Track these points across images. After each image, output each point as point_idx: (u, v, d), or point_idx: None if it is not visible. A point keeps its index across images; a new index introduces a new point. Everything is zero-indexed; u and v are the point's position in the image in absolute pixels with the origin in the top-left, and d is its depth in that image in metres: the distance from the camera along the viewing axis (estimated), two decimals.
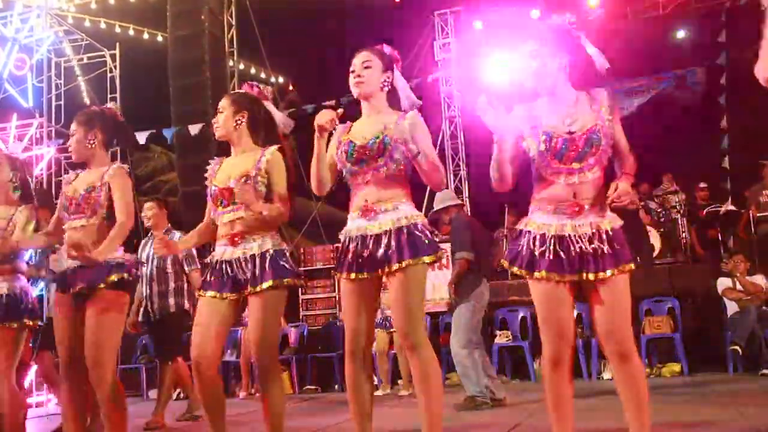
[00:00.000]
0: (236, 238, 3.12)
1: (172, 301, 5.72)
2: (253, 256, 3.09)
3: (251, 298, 3.10)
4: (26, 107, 11.11)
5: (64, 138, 10.60)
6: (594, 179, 2.64)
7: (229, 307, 3.14)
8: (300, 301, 10.47)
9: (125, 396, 3.37)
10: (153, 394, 9.32)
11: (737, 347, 6.97)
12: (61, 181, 3.75)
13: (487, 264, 5.93)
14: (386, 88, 3.08)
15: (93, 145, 3.50)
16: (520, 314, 8.36)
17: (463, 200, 12.13)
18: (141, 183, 15.40)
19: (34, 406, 8.24)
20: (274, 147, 3.21)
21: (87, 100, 12.65)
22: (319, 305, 10.28)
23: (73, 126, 3.54)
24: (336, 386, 8.73)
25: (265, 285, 3.05)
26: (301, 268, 10.49)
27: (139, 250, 5.84)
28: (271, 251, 3.11)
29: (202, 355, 3.07)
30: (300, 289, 10.48)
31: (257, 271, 3.07)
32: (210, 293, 3.13)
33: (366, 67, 3.04)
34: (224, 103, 3.28)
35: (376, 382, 8.28)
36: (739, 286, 7.40)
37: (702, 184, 10.68)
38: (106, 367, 3.25)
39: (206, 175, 3.30)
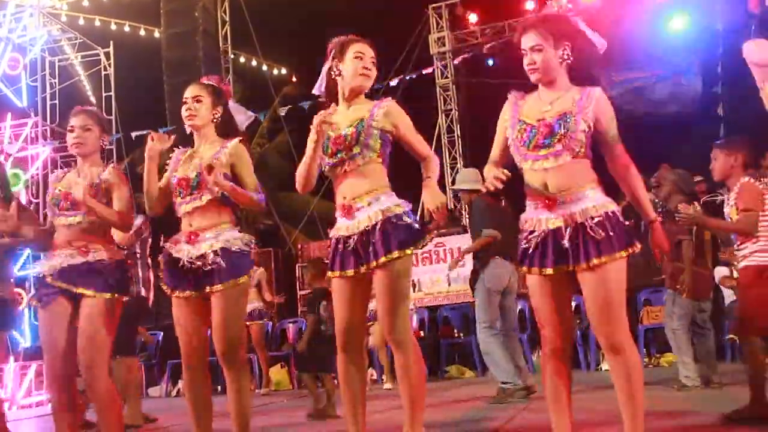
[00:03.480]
0: (192, 236, 3.19)
1: (134, 289, 5.29)
2: (207, 253, 3.15)
3: (213, 296, 3.15)
4: (20, 107, 11.06)
5: (59, 137, 10.57)
6: (564, 165, 2.57)
7: (202, 304, 3.20)
8: (298, 297, 10.48)
9: (119, 395, 3.36)
10: (152, 392, 9.35)
11: (734, 336, 6.96)
12: None
13: (504, 245, 5.66)
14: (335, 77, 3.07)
15: (103, 146, 3.55)
16: (518, 306, 8.36)
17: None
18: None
19: (34, 406, 8.25)
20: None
21: (93, 99, 12.58)
22: None
23: (87, 120, 3.49)
24: (335, 381, 8.73)
25: (219, 287, 3.12)
26: (299, 264, 10.54)
27: None
28: (226, 247, 3.17)
29: (191, 353, 3.18)
30: (298, 284, 10.51)
31: (214, 270, 3.13)
32: (177, 293, 3.21)
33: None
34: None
35: (375, 377, 8.29)
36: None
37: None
38: (101, 368, 3.24)
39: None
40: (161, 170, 3.31)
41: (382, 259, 2.84)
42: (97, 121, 3.51)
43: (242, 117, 3.46)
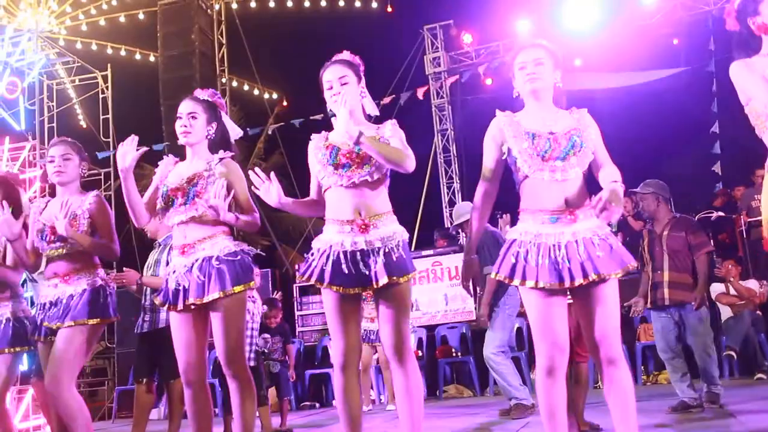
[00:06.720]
0: (186, 248, 3.20)
1: (163, 315, 5.14)
2: (199, 265, 3.16)
3: (211, 306, 3.15)
4: (18, 130, 11.11)
5: None
6: (577, 179, 2.67)
7: (200, 317, 3.22)
8: (295, 318, 10.46)
9: (88, 411, 3.44)
10: (151, 414, 9.27)
11: (732, 352, 6.98)
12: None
13: None
14: (364, 98, 3.12)
15: (83, 175, 3.70)
16: (516, 325, 8.35)
17: None
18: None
19: (31, 430, 8.20)
20: None
21: (83, 124, 12.67)
22: (315, 321, 10.26)
23: (67, 149, 3.65)
24: (333, 402, 8.70)
25: (216, 295, 3.10)
26: (296, 285, 10.51)
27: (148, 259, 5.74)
28: (223, 256, 3.17)
29: (189, 370, 3.21)
30: (295, 304, 10.48)
31: (205, 282, 3.12)
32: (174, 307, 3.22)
33: (344, 84, 3.04)
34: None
35: (373, 396, 8.25)
36: (732, 291, 7.42)
37: (720, 186, 10.68)
38: (64, 383, 3.34)
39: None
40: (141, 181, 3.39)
41: (396, 279, 2.87)
42: (76, 150, 3.67)
43: (233, 132, 3.48)
